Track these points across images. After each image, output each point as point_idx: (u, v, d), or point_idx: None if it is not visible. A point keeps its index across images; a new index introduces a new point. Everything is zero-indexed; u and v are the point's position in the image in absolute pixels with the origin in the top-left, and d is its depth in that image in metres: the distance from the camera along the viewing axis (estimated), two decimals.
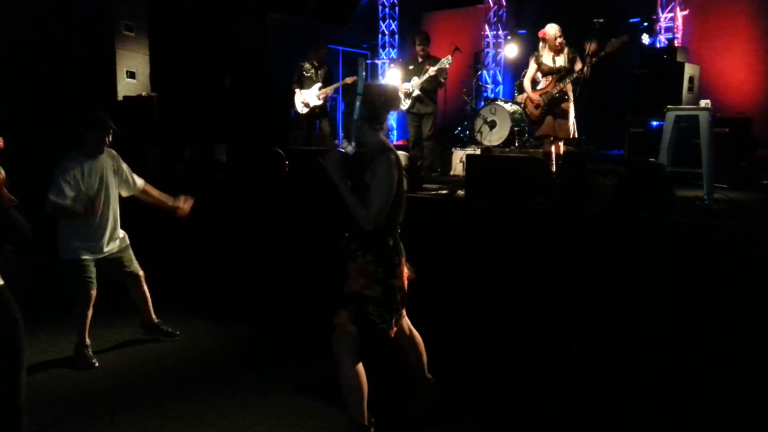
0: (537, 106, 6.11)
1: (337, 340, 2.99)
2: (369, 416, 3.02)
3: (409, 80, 7.12)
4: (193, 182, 6.52)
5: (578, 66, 5.86)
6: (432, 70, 6.89)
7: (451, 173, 7.92)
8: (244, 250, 5.98)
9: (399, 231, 3.04)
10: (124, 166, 4.33)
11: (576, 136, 6.16)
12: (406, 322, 3.27)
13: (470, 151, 7.92)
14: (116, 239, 4.30)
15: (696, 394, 3.51)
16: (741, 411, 3.36)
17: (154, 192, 4.44)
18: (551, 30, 5.95)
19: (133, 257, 4.44)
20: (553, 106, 6.03)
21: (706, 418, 3.40)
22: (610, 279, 3.89)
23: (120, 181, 4.31)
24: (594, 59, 5.70)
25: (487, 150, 7.65)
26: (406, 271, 3.08)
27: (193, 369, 4.14)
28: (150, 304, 4.52)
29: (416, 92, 7.02)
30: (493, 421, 3.50)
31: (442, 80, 7.11)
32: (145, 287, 4.48)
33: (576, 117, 6.11)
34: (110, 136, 4.10)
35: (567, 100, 6.00)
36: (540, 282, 4.16)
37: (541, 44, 6.13)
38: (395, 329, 3.06)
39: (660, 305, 3.69)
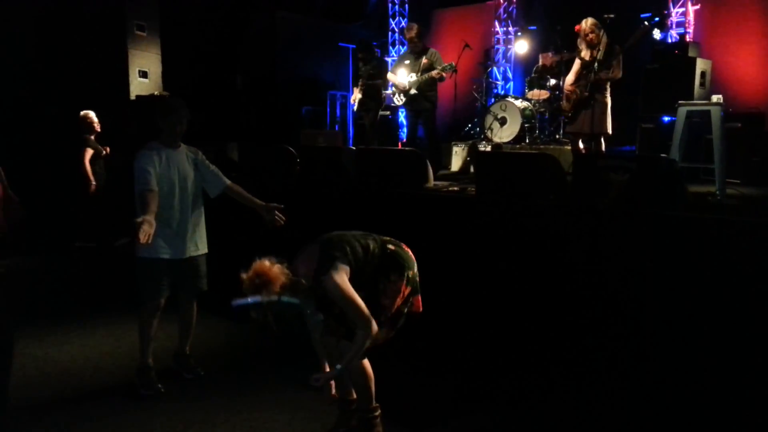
0: (568, 99, 6.04)
1: (347, 351, 3.01)
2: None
3: (405, 76, 7.01)
4: None
5: (614, 64, 5.76)
6: (434, 74, 6.76)
7: (452, 169, 7.88)
8: (256, 247, 6.00)
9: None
10: (209, 163, 4.06)
11: (603, 131, 5.91)
12: None
13: (469, 147, 7.89)
14: (195, 242, 3.96)
15: (705, 391, 3.50)
16: (750, 409, 3.35)
17: (244, 192, 4.05)
18: (583, 25, 5.85)
19: (205, 271, 4.04)
20: (585, 100, 5.88)
21: (715, 416, 3.40)
22: (621, 275, 3.88)
23: (203, 177, 3.99)
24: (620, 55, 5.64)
25: (497, 147, 7.65)
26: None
27: (208, 364, 4.17)
28: (192, 331, 4.14)
29: (413, 91, 6.94)
30: (497, 418, 3.52)
31: (438, 80, 6.96)
32: (196, 310, 4.11)
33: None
34: (185, 124, 3.89)
35: (600, 95, 5.82)
36: (551, 278, 4.16)
37: (579, 38, 6.00)
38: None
39: (671, 301, 3.68)
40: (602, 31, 5.75)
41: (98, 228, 7.51)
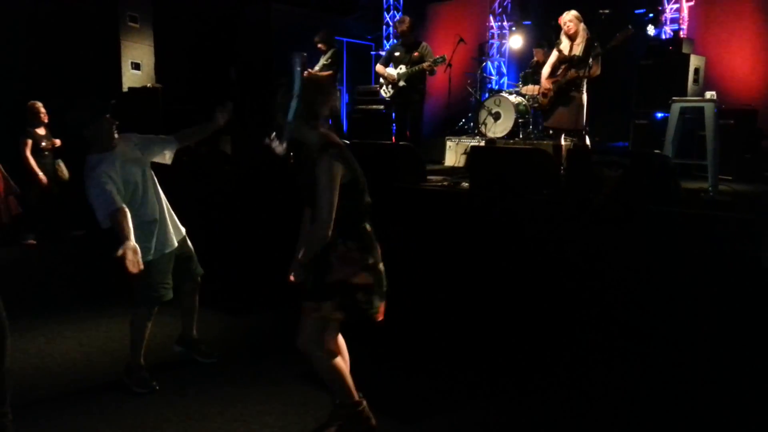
0: (545, 95, 6.02)
1: (305, 338, 2.94)
2: (358, 392, 3.08)
3: (395, 68, 6.99)
4: (199, 174, 6.54)
5: (593, 62, 5.72)
6: (425, 65, 6.76)
7: (445, 163, 7.89)
8: (250, 241, 6.01)
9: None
10: (146, 136, 3.80)
11: (581, 127, 5.88)
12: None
13: (465, 141, 7.89)
14: (177, 225, 3.82)
15: (699, 389, 3.53)
16: (744, 408, 3.37)
17: (192, 129, 3.94)
18: (564, 15, 5.81)
19: (194, 253, 3.95)
20: (562, 95, 5.85)
21: (708, 415, 3.42)
22: (614, 270, 3.90)
23: (153, 152, 3.75)
24: (599, 54, 5.62)
25: (491, 142, 7.66)
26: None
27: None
28: (196, 315, 4.09)
29: (401, 83, 6.91)
30: (493, 418, 3.53)
31: (429, 73, 6.97)
32: (197, 294, 4.04)
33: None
34: (113, 119, 3.52)
35: (576, 91, 5.78)
36: (544, 273, 4.18)
37: (562, 30, 5.93)
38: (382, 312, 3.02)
39: (663, 296, 3.70)
40: (582, 24, 5.72)
41: (48, 221, 7.41)
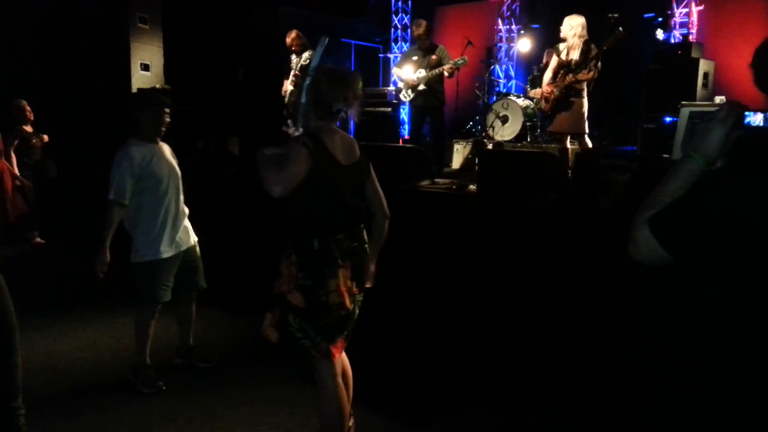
0: (546, 100, 6.04)
1: (317, 363, 2.65)
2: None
3: (413, 72, 6.98)
4: (205, 174, 6.56)
5: (591, 64, 5.74)
6: (446, 68, 6.74)
7: (453, 166, 7.87)
8: (256, 242, 6.01)
9: (340, 235, 2.60)
10: None
11: (582, 131, 5.92)
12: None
13: (473, 145, 7.87)
14: (188, 232, 3.86)
15: (700, 389, 3.50)
16: (745, 408, 3.34)
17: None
18: (564, 23, 5.85)
19: (202, 266, 3.97)
20: (562, 100, 5.89)
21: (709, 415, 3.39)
22: (622, 274, 3.88)
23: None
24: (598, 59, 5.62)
25: (498, 145, 7.64)
26: (345, 285, 2.60)
27: (206, 358, 4.17)
28: (192, 325, 4.11)
29: (422, 87, 6.91)
30: (494, 419, 3.52)
31: (448, 76, 6.94)
32: (194, 305, 4.07)
33: (588, 112, 5.99)
34: (167, 116, 3.66)
35: (576, 95, 5.82)
36: (550, 278, 4.17)
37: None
38: (336, 354, 2.62)
39: (671, 300, 3.68)
40: (576, 29, 5.73)
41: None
